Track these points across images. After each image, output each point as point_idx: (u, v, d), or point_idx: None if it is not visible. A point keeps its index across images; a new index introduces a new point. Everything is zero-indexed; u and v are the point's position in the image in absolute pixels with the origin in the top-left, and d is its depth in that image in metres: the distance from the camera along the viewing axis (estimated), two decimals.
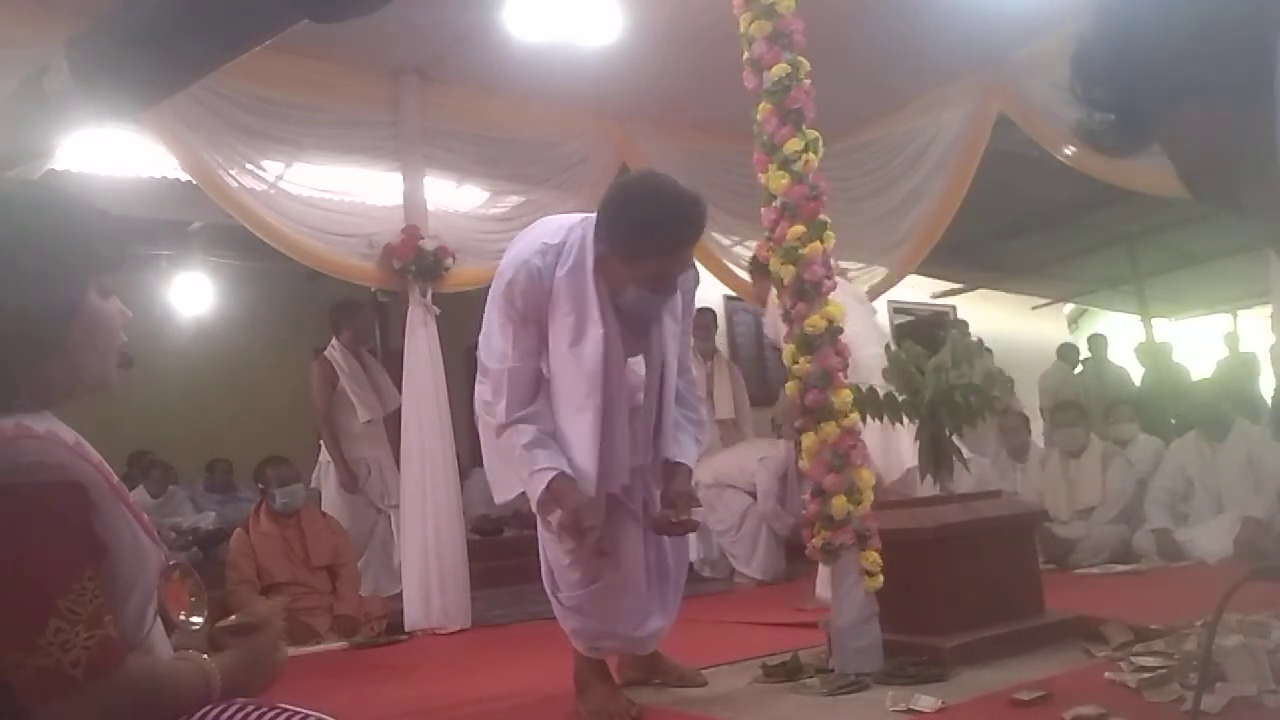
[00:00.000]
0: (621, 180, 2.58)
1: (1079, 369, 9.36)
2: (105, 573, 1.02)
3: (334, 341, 5.68)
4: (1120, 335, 10.24)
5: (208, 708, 1.05)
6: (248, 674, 1.15)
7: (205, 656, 1.13)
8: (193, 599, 1.22)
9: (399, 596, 5.04)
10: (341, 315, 5.69)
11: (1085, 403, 7.26)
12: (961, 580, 2.92)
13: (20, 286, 1.07)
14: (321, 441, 5.69)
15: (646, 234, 2.37)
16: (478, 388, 2.69)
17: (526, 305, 2.47)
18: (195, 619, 1.21)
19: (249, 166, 4.78)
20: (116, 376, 1.20)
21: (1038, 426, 8.02)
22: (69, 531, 0.99)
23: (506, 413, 2.48)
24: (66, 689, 0.94)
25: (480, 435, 2.76)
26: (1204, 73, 0.86)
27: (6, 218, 1.11)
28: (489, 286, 5.08)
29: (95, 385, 1.17)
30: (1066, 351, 9.37)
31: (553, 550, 2.62)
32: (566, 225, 2.55)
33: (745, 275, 6.20)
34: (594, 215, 2.49)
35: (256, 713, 1.03)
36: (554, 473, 2.41)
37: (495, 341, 2.52)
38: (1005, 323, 10.32)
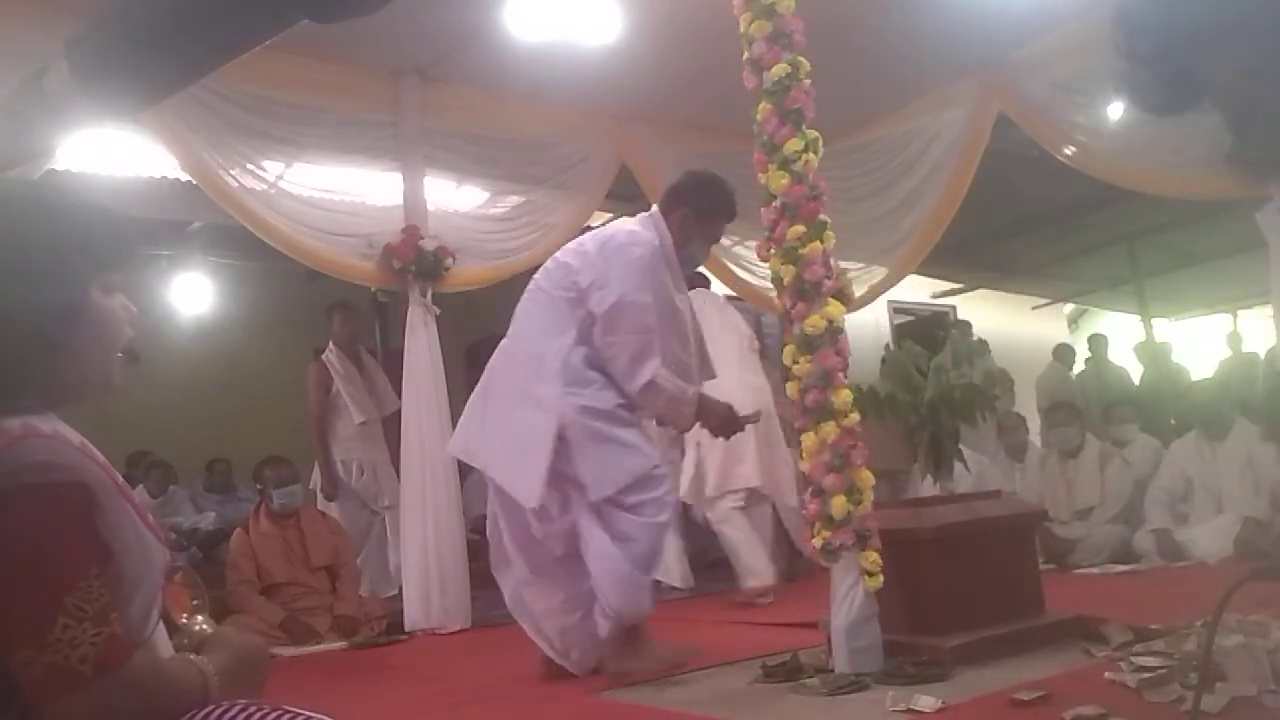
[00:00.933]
0: (694, 174, 3.44)
1: (1080, 369, 9.36)
2: (110, 573, 1.02)
3: (330, 344, 5.69)
4: (1120, 335, 10.24)
5: (210, 708, 1.05)
6: (241, 674, 1.15)
7: (202, 658, 1.13)
8: (195, 602, 1.22)
9: (395, 597, 5.05)
10: (328, 315, 5.70)
11: (1083, 403, 7.27)
12: (961, 580, 2.92)
13: (23, 285, 1.07)
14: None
15: (725, 199, 3.35)
16: (599, 390, 3.00)
17: (661, 273, 3.11)
18: (200, 619, 1.21)
19: (249, 166, 4.78)
20: (119, 377, 1.20)
21: (1036, 427, 8.02)
22: (75, 530, 1.00)
23: (658, 367, 3.00)
24: (75, 686, 0.95)
25: (582, 430, 2.94)
26: (1249, 7, 0.84)
27: (7, 217, 1.12)
28: (489, 287, 5.27)
29: (100, 385, 1.17)
30: (1063, 352, 9.36)
31: (650, 511, 2.93)
32: (635, 221, 3.29)
33: (745, 275, 6.22)
34: (649, 214, 3.28)
35: (259, 713, 1.03)
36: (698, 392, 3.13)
37: (644, 307, 3.01)
38: (1005, 323, 10.32)
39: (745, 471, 4.66)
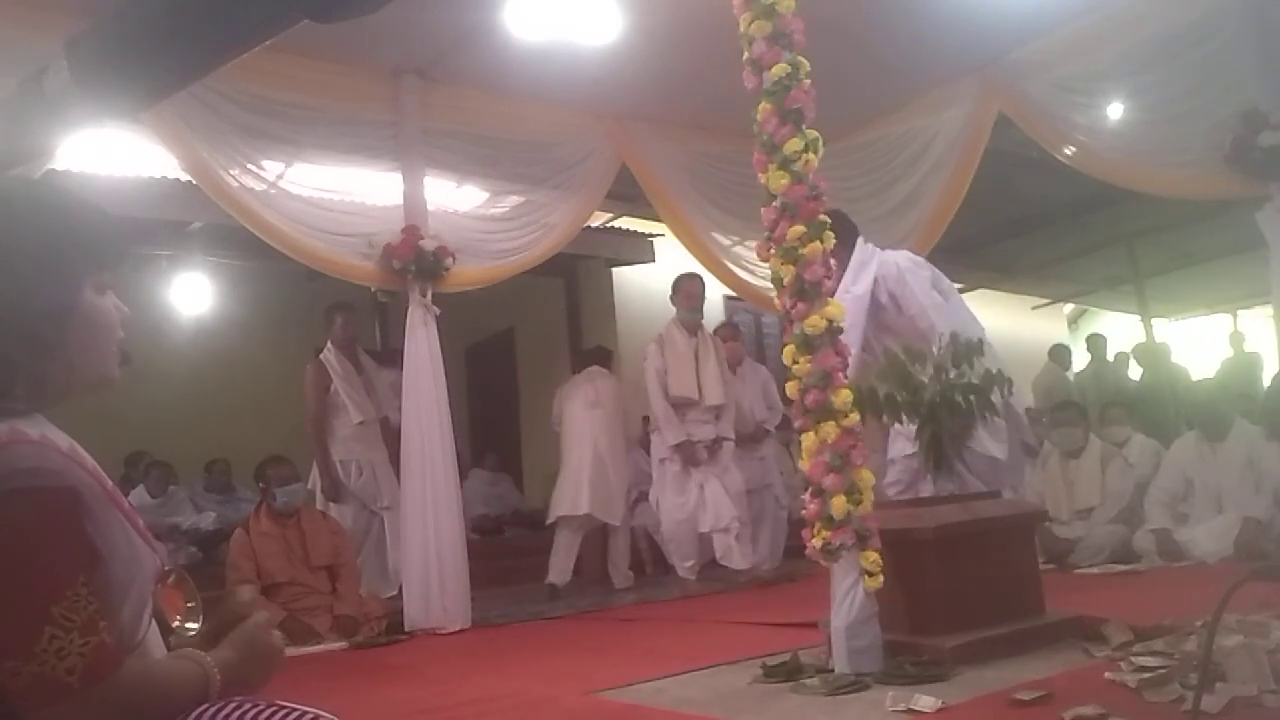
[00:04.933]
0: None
1: (1081, 369, 9.35)
2: (99, 579, 1.01)
3: (329, 344, 5.69)
4: (1120, 335, 10.24)
5: (204, 706, 1.04)
6: (247, 670, 1.13)
7: (204, 654, 1.12)
8: (189, 605, 1.21)
9: (395, 597, 5.04)
10: (328, 315, 5.71)
11: (1084, 402, 7.27)
12: (961, 580, 2.92)
13: (15, 284, 1.06)
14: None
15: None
16: None
17: None
18: (190, 625, 1.19)
19: (249, 166, 4.78)
20: (117, 374, 1.19)
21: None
22: (63, 537, 0.98)
23: None
24: (62, 697, 0.94)
25: None
26: None
27: (1, 214, 1.11)
28: (489, 287, 5.43)
29: (96, 383, 1.16)
30: (1059, 353, 9.35)
31: None
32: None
33: (745, 275, 6.22)
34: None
35: (254, 710, 1.03)
36: None
37: None
38: (1005, 323, 10.32)
39: (581, 500, 5.94)
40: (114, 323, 1.17)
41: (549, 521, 6.16)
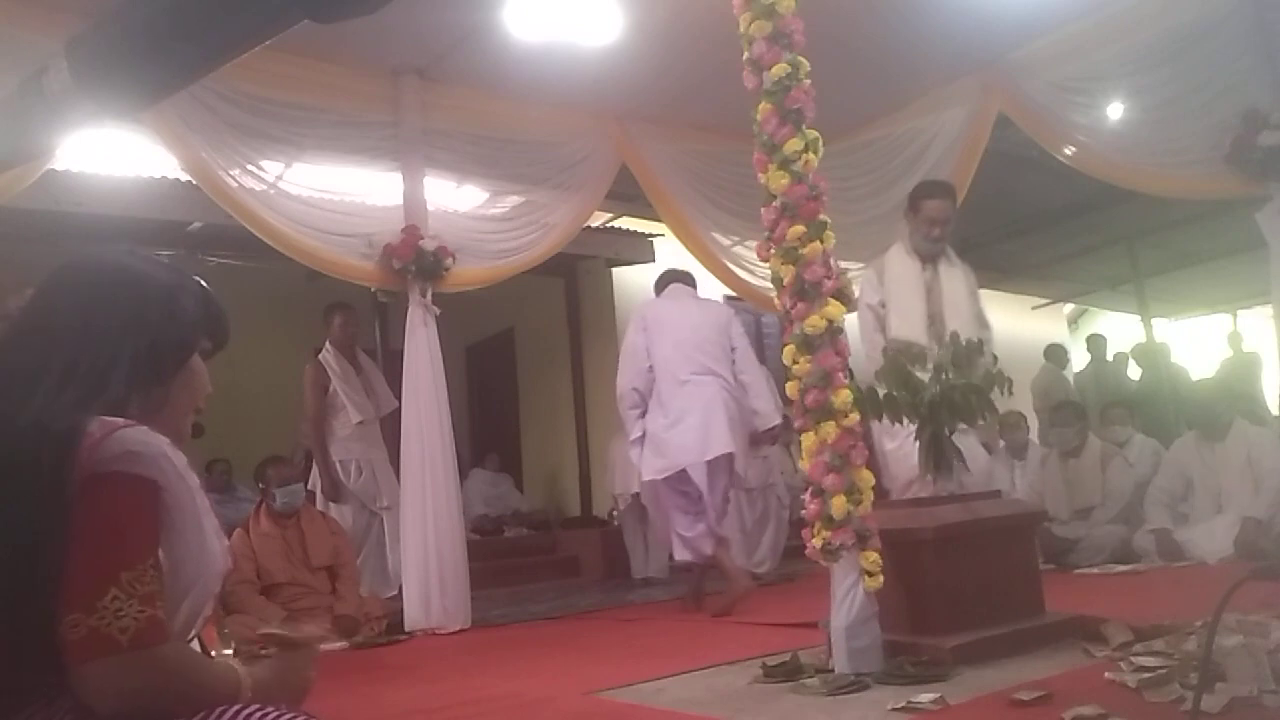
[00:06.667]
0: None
1: (1081, 369, 9.35)
2: (166, 570, 1.10)
3: (327, 344, 5.69)
4: (1120, 335, 10.25)
5: (225, 706, 1.08)
6: (278, 687, 1.20)
7: (240, 664, 1.18)
8: (226, 631, 1.29)
9: (395, 597, 5.05)
10: (327, 315, 5.70)
11: (1084, 402, 7.28)
12: (961, 580, 2.92)
13: (161, 322, 1.24)
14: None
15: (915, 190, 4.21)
16: None
17: None
18: (225, 654, 1.25)
19: (249, 166, 4.77)
20: (189, 434, 1.31)
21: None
22: (146, 520, 1.09)
23: None
24: (109, 652, 1.01)
25: None
26: None
27: (154, 265, 1.32)
28: (489, 287, 5.45)
29: (173, 434, 1.23)
30: (1055, 353, 9.35)
31: None
32: None
33: (745, 275, 6.21)
34: None
35: (275, 714, 1.07)
36: None
37: None
38: (1005, 323, 10.30)
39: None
40: (202, 389, 1.33)
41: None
